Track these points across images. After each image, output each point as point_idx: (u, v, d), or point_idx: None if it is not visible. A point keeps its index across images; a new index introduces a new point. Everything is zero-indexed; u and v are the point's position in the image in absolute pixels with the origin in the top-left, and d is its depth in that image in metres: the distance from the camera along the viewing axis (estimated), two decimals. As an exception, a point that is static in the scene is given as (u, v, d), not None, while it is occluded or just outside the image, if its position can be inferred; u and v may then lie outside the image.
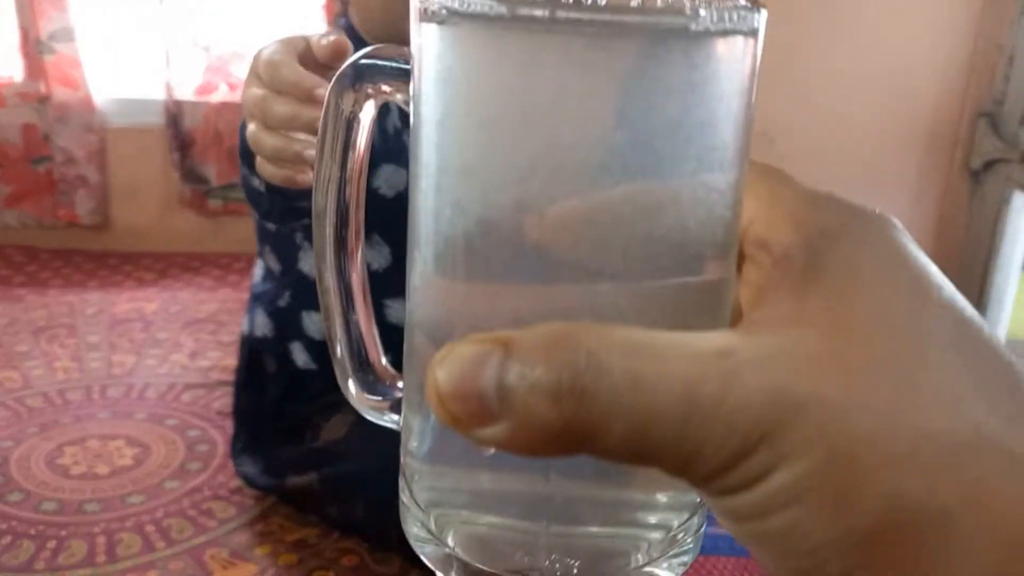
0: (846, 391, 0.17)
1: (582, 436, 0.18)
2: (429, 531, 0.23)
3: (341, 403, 1.12)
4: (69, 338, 1.76)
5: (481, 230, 0.21)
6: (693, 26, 0.19)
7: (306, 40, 0.65)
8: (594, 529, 0.22)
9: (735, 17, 0.20)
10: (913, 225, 2.46)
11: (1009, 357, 0.18)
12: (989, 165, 2.26)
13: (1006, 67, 2.20)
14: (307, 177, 0.61)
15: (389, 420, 0.27)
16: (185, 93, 2.22)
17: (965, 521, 0.17)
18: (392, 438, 0.78)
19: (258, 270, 1.21)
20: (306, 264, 1.11)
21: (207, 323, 1.86)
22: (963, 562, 0.17)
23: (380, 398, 0.27)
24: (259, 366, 1.19)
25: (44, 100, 2.22)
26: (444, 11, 0.20)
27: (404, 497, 0.24)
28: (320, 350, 1.13)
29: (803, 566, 0.18)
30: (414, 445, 0.24)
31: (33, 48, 2.20)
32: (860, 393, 0.17)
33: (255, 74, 0.64)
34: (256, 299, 1.20)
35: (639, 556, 0.22)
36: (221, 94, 2.24)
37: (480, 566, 0.22)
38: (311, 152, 0.59)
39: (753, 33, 0.21)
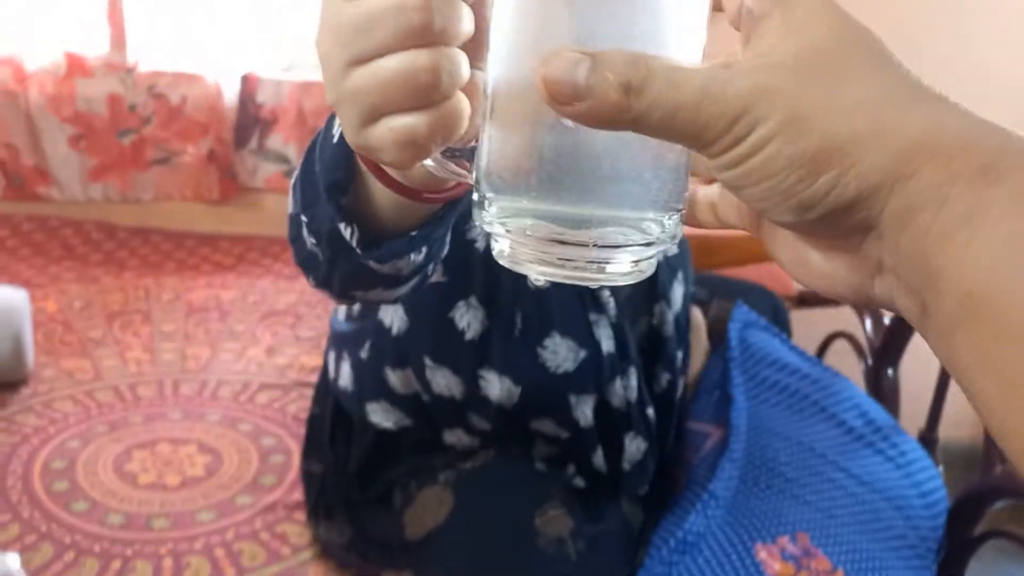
0: (798, 83, 0.30)
1: (633, 117, 0.30)
2: (499, 228, 0.36)
3: (437, 468, 0.99)
4: (143, 326, 1.70)
5: None
6: None
7: None
8: (600, 230, 0.34)
9: None
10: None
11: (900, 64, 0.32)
12: None
13: None
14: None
15: (462, 176, 0.39)
16: (272, 71, 2.14)
17: (872, 139, 0.29)
18: (501, 547, 0.86)
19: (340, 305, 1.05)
20: (387, 315, 0.95)
21: (286, 315, 1.78)
22: (865, 160, 0.29)
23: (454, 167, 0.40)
24: (346, 421, 1.05)
25: (130, 71, 2.16)
26: None
27: (481, 219, 0.36)
28: (407, 406, 0.98)
29: (773, 183, 0.30)
30: (493, 180, 0.35)
31: (120, 17, 2.14)
32: (807, 83, 0.30)
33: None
34: (341, 341, 1.04)
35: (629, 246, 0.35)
36: (306, 73, 2.15)
37: (531, 234, 0.34)
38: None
39: None
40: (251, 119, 2.19)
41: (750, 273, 1.80)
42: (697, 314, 1.21)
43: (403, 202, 0.48)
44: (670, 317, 1.03)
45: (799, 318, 1.77)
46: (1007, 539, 1.08)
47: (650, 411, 1.01)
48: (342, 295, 0.66)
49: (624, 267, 0.35)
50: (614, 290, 0.95)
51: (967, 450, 1.40)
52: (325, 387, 1.11)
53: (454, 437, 0.98)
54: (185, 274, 1.95)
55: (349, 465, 1.03)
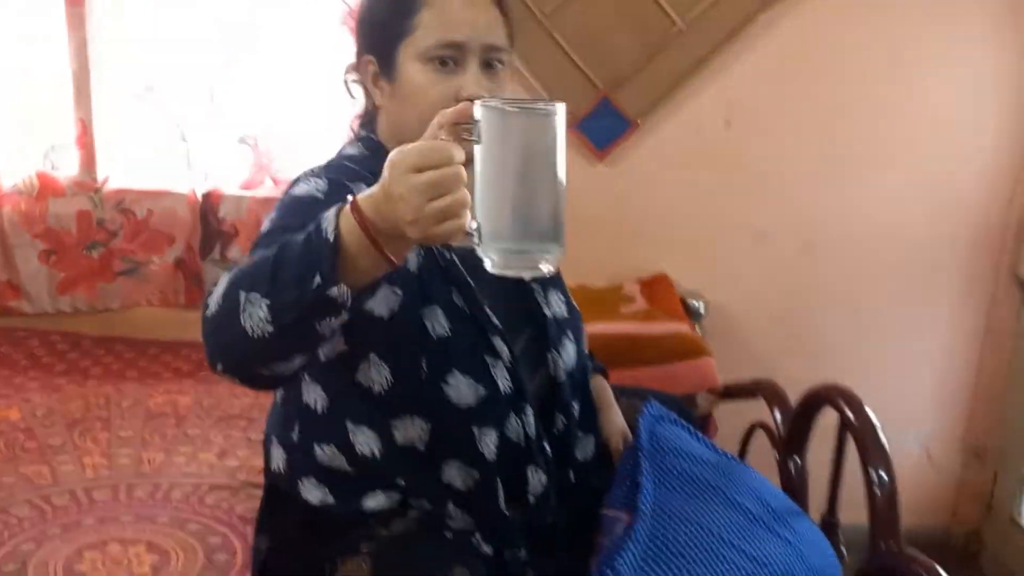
0: None
1: None
2: (490, 256, 0.80)
3: (359, 541, 1.09)
4: (102, 432, 1.78)
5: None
6: (557, 113, 0.78)
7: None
8: (537, 254, 0.80)
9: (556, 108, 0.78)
10: (959, 333, 2.39)
11: None
12: (1039, 275, 2.19)
13: (1055, 177, 2.15)
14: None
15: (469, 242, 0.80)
16: (230, 187, 2.28)
17: None
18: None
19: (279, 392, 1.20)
20: (310, 397, 1.09)
21: (239, 419, 1.87)
22: None
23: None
24: (280, 505, 1.17)
25: (99, 189, 2.29)
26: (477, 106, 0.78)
27: (481, 252, 0.80)
28: (335, 482, 1.11)
29: None
30: (487, 236, 0.79)
31: (91, 140, 2.29)
32: None
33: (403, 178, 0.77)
34: (273, 426, 1.20)
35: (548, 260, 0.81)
36: (266, 189, 2.29)
37: (505, 259, 0.81)
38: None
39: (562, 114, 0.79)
40: (213, 232, 2.31)
41: (678, 370, 1.91)
42: (600, 379, 1.35)
43: (375, 270, 0.83)
44: (563, 366, 1.18)
45: (725, 409, 1.88)
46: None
47: (547, 446, 1.14)
48: (253, 371, 0.90)
49: (547, 268, 0.80)
50: (508, 341, 1.11)
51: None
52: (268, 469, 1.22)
53: (375, 502, 1.09)
54: (146, 381, 2.04)
55: (285, 541, 1.14)
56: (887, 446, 1.24)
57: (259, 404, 1.93)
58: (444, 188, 0.75)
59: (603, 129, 2.22)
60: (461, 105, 0.79)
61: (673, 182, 2.31)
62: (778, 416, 1.56)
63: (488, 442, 1.08)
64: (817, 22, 2.22)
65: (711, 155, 2.29)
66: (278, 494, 1.17)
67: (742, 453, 1.74)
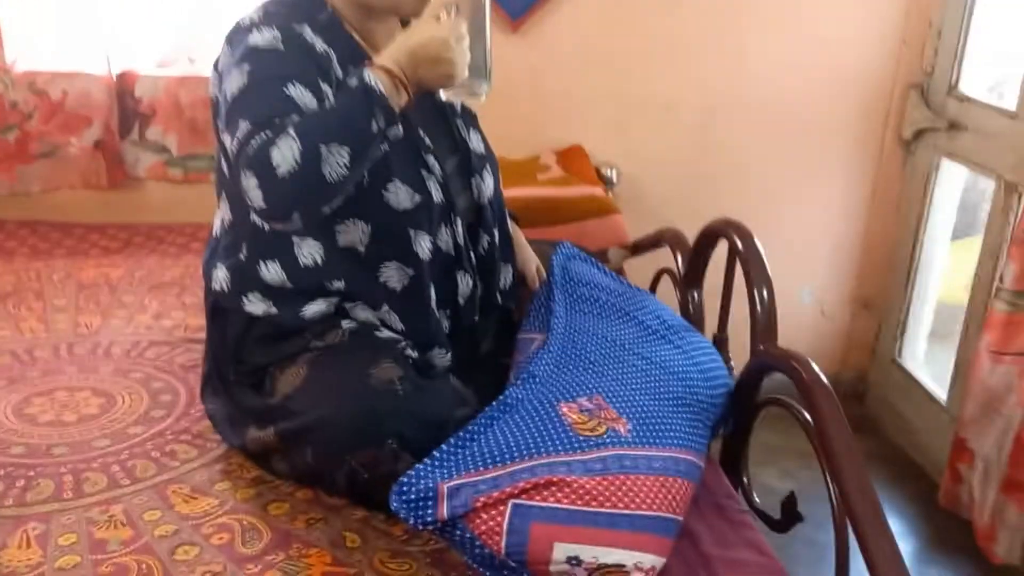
0: None
1: None
2: (449, 91, 1.17)
3: (297, 353, 1.21)
4: (36, 302, 1.82)
5: None
6: None
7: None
8: (476, 87, 1.17)
9: None
10: (849, 193, 2.57)
11: None
12: (919, 134, 2.37)
13: (935, 40, 2.31)
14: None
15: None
16: (147, 67, 2.28)
17: None
18: (342, 390, 1.21)
19: (217, 220, 1.30)
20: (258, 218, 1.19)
21: (172, 287, 1.93)
22: None
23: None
24: (222, 318, 1.29)
25: (9, 70, 2.26)
26: None
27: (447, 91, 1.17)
28: (277, 296, 1.23)
29: None
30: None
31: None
32: None
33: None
34: (214, 252, 1.30)
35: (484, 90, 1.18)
36: (182, 68, 2.29)
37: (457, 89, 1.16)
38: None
39: None
40: (131, 113, 2.32)
41: (590, 227, 2.04)
42: (514, 223, 1.49)
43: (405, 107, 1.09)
44: (485, 191, 1.36)
45: (635, 262, 2.02)
46: (779, 406, 1.34)
47: (473, 256, 1.31)
48: (320, 210, 1.08)
49: (482, 96, 1.17)
50: (439, 161, 1.27)
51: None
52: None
53: (315, 308, 1.22)
54: (75, 258, 2.07)
55: (228, 356, 1.27)
56: (768, 269, 1.39)
57: (190, 274, 1.99)
58: (467, 50, 1.09)
59: None
60: None
61: (584, 54, 2.39)
62: (680, 259, 1.70)
63: (422, 244, 1.23)
64: None
65: (620, 26, 2.37)
66: (221, 312, 1.28)
67: (649, 299, 1.88)
